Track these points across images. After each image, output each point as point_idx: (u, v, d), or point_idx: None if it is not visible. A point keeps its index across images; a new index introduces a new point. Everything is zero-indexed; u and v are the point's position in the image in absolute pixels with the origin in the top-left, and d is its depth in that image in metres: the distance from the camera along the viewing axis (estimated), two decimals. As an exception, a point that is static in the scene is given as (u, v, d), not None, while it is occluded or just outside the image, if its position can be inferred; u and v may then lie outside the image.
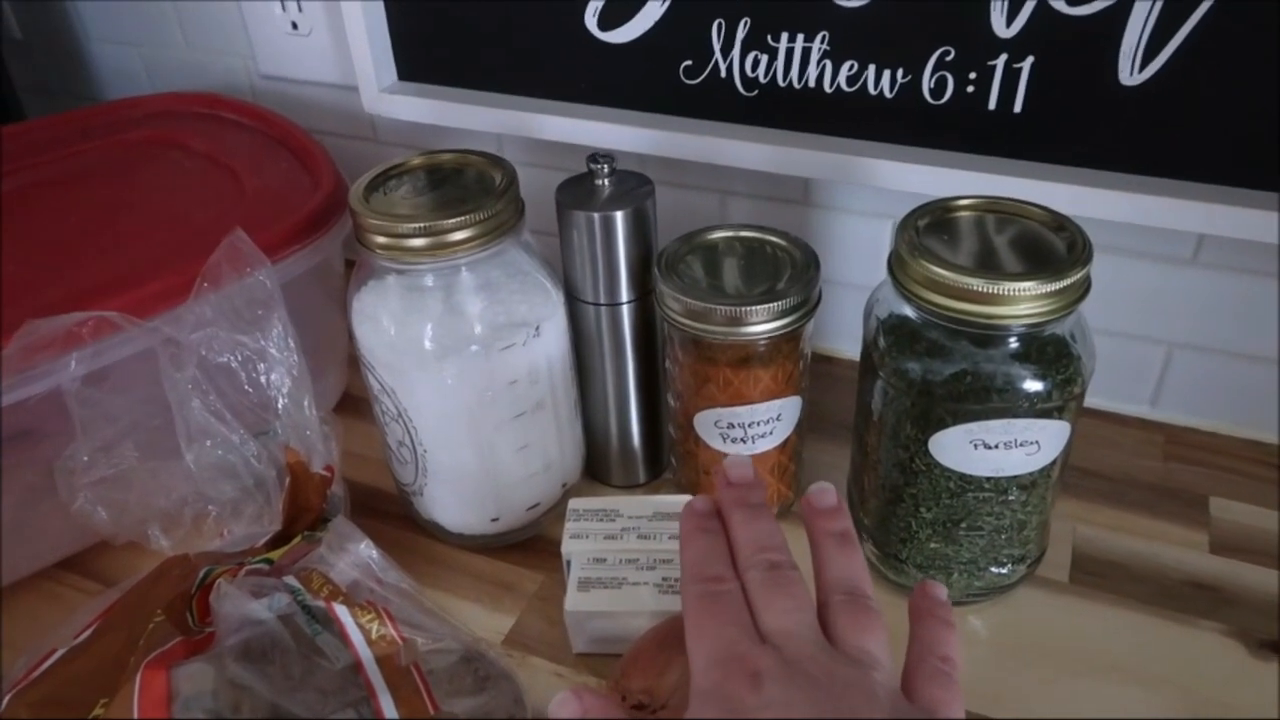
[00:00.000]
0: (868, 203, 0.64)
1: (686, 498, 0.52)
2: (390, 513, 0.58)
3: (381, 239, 0.47)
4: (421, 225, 0.46)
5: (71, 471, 0.50)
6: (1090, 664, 0.48)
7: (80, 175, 0.65)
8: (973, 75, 0.54)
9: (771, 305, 0.47)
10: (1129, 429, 0.62)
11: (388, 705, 0.41)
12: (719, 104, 0.61)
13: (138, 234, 0.58)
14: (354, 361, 0.69)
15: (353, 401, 0.68)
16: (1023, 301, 0.41)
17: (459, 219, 0.46)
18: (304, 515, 0.52)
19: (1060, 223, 0.45)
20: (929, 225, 0.46)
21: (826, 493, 0.39)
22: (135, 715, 0.36)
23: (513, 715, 0.42)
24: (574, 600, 0.48)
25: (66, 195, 0.63)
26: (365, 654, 0.43)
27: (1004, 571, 0.49)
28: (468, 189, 0.49)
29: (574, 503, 0.53)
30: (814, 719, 0.30)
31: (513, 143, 0.71)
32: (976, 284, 0.41)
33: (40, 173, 0.65)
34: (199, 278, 0.47)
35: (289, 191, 0.60)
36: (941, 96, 0.56)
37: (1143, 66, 0.51)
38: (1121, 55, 0.51)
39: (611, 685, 0.40)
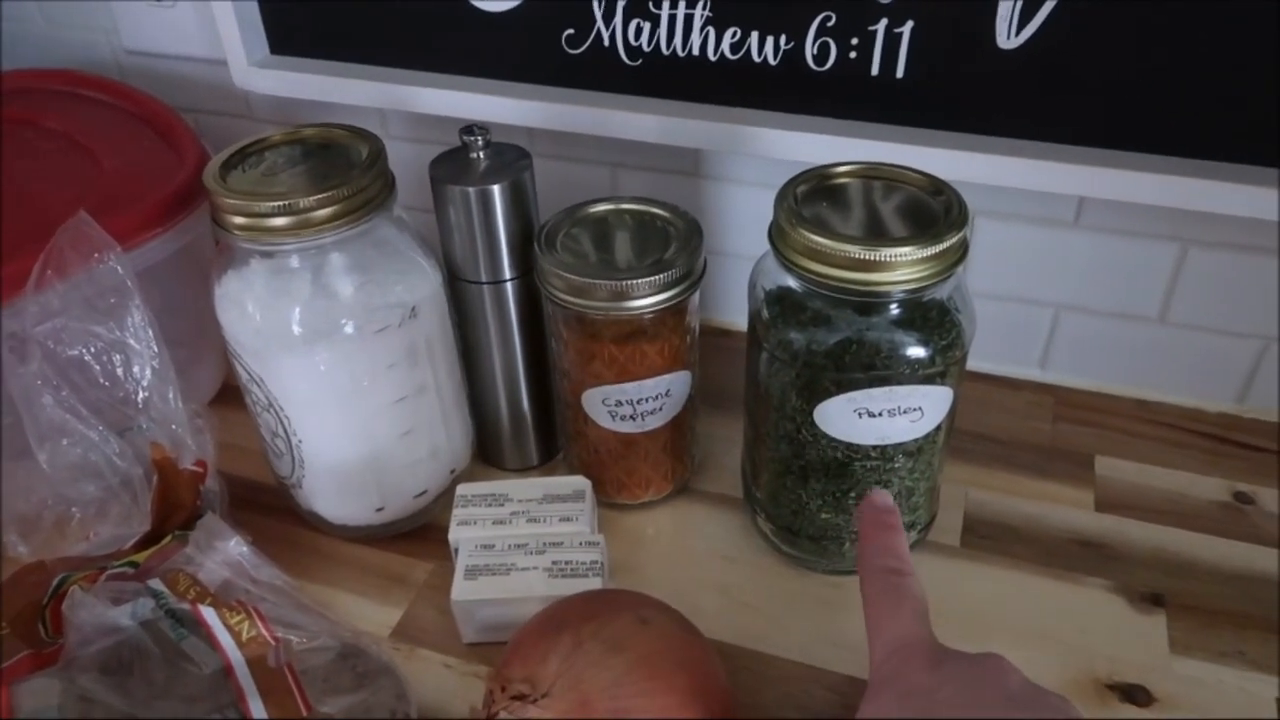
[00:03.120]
0: (757, 173, 0.63)
1: (578, 479, 0.51)
2: (274, 505, 0.56)
3: (239, 219, 0.44)
4: (283, 203, 0.43)
5: (-90, 479, 0.46)
6: (982, 625, 0.48)
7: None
8: (855, 41, 0.54)
9: (655, 279, 0.46)
10: (1020, 392, 0.63)
11: (257, 709, 0.39)
12: (603, 74, 0.60)
13: (-16, 221, 0.54)
14: (234, 350, 0.66)
15: (234, 392, 0.64)
16: (901, 267, 0.41)
17: (323, 195, 0.44)
18: (176, 513, 0.50)
19: (938, 187, 0.44)
20: (808, 193, 0.45)
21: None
22: (-29, 737, 0.33)
23: (394, 711, 0.40)
24: (460, 589, 0.46)
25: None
26: (235, 657, 0.41)
27: (895, 539, 0.49)
28: (333, 164, 0.47)
29: (461, 488, 0.51)
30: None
31: (396, 118, 0.69)
32: (855, 251, 0.41)
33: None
34: (39, 264, 0.44)
35: (152, 172, 0.57)
36: (825, 63, 0.55)
37: (1019, 29, 0.51)
38: (999, 18, 0.51)
39: (492, 676, 0.38)
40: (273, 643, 0.41)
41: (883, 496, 0.41)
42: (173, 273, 0.55)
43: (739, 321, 0.69)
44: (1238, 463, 0.57)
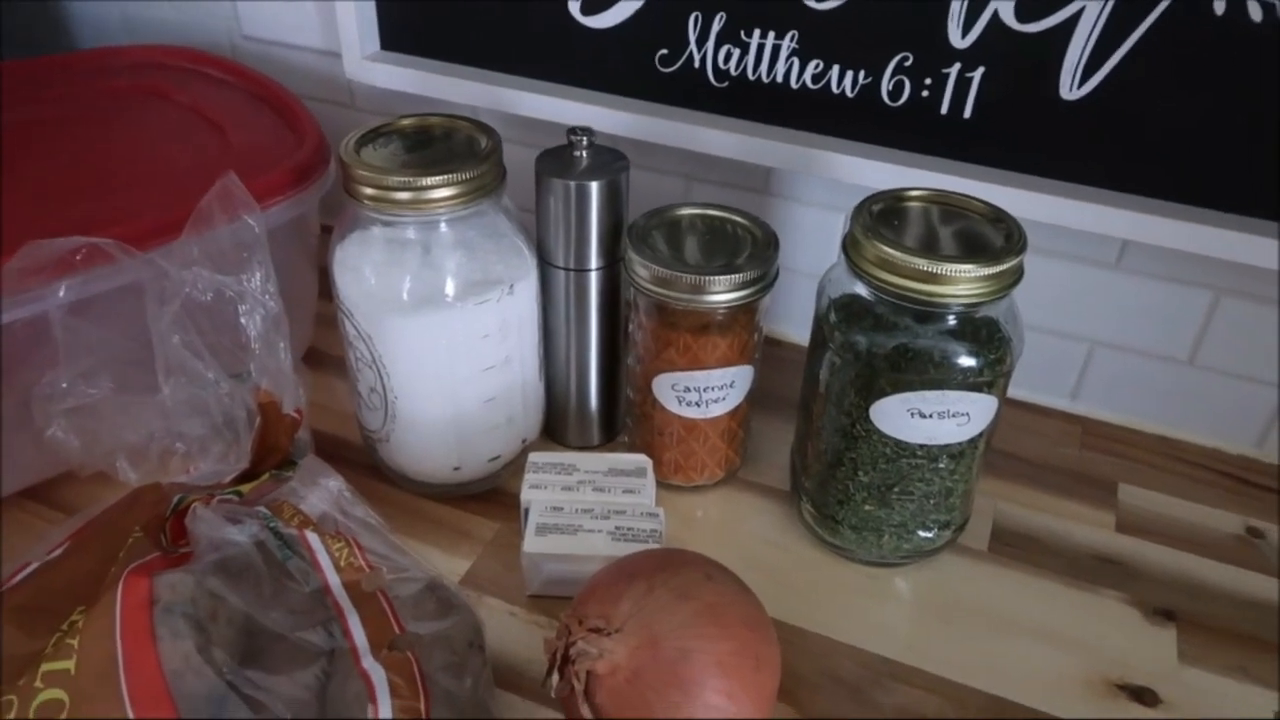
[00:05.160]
0: (823, 195, 0.67)
1: (641, 456, 0.56)
2: (352, 460, 0.60)
3: (369, 190, 0.49)
4: (407, 180, 0.48)
5: (49, 398, 0.51)
6: (1004, 624, 0.52)
7: (61, 119, 0.66)
8: (928, 81, 0.59)
9: (733, 276, 0.51)
10: (1050, 420, 0.67)
11: (355, 624, 0.43)
12: (691, 92, 0.65)
13: (124, 177, 0.60)
14: (320, 319, 0.71)
15: (317, 356, 0.70)
16: (962, 283, 0.45)
17: (443, 177, 0.49)
18: (271, 455, 0.54)
19: (999, 215, 0.49)
20: (881, 212, 0.50)
21: None
22: (118, 618, 0.38)
23: (473, 642, 0.45)
24: (532, 543, 0.51)
25: (48, 136, 0.64)
26: (333, 579, 0.45)
27: (930, 535, 0.53)
28: (453, 151, 0.52)
29: (534, 456, 0.56)
30: None
31: (488, 117, 0.73)
32: (921, 264, 0.45)
33: (18, 113, 0.66)
34: (191, 217, 0.49)
35: (273, 146, 0.62)
36: (899, 99, 0.60)
37: (1082, 83, 0.55)
38: (1064, 71, 0.55)
39: (569, 613, 0.43)
40: (368, 569, 0.46)
41: None
42: (281, 242, 0.60)
43: (789, 332, 0.74)
44: (1252, 501, 0.61)
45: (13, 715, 0.35)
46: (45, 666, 0.37)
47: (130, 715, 0.35)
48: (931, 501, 0.52)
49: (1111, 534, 0.58)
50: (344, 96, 0.79)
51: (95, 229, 0.50)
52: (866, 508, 0.52)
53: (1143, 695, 0.49)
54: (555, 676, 0.40)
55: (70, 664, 0.37)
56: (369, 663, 0.40)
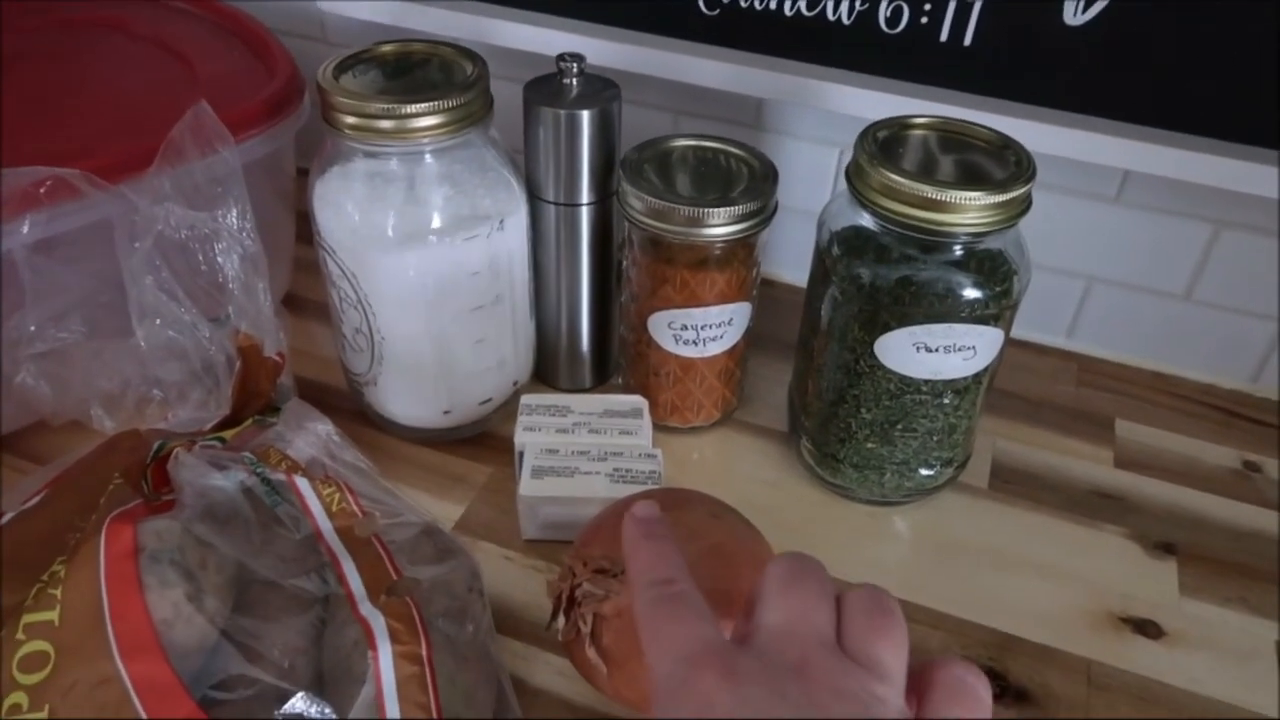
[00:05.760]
0: (816, 129, 0.66)
1: (636, 397, 0.54)
2: (336, 406, 0.58)
3: (351, 119, 0.47)
4: (390, 107, 0.46)
5: (16, 342, 0.49)
6: (1007, 560, 0.52)
7: (16, 51, 0.62)
8: (927, 7, 0.57)
9: (731, 209, 0.49)
10: (1046, 357, 0.67)
11: (350, 570, 0.41)
12: (680, 21, 0.62)
13: (85, 110, 0.56)
14: (301, 264, 0.69)
15: (296, 301, 0.67)
16: (969, 210, 0.44)
17: (428, 104, 0.46)
18: (253, 401, 0.52)
19: (1006, 143, 0.48)
20: (886, 139, 0.48)
21: None
22: (102, 567, 0.36)
23: (471, 586, 0.43)
24: (528, 486, 0.49)
25: (4, 69, 0.60)
26: (325, 525, 0.44)
27: (932, 473, 0.52)
28: (436, 78, 0.49)
29: (526, 398, 0.54)
30: None
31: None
32: (928, 191, 0.44)
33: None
34: (162, 148, 0.46)
35: (243, 78, 0.59)
36: (896, 26, 0.58)
37: (1087, 7, 0.54)
38: (1067, -6, 0.54)
39: (573, 555, 0.41)
40: (360, 514, 0.44)
41: (646, 508, 0.35)
42: (256, 180, 0.58)
43: (780, 272, 0.72)
44: (1247, 435, 0.61)
45: (-6, 669, 0.34)
46: (27, 618, 0.35)
47: (120, 666, 0.34)
48: (935, 438, 0.51)
49: (1110, 469, 0.58)
50: (315, 30, 0.76)
51: (57, 162, 0.47)
52: (869, 445, 0.51)
53: (1146, 628, 0.49)
54: (561, 619, 0.39)
55: (54, 615, 0.35)
56: (366, 609, 0.39)
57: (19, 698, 0.33)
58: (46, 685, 0.34)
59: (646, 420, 0.53)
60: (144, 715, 0.33)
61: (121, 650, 0.34)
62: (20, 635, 0.34)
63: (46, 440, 0.54)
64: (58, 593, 0.36)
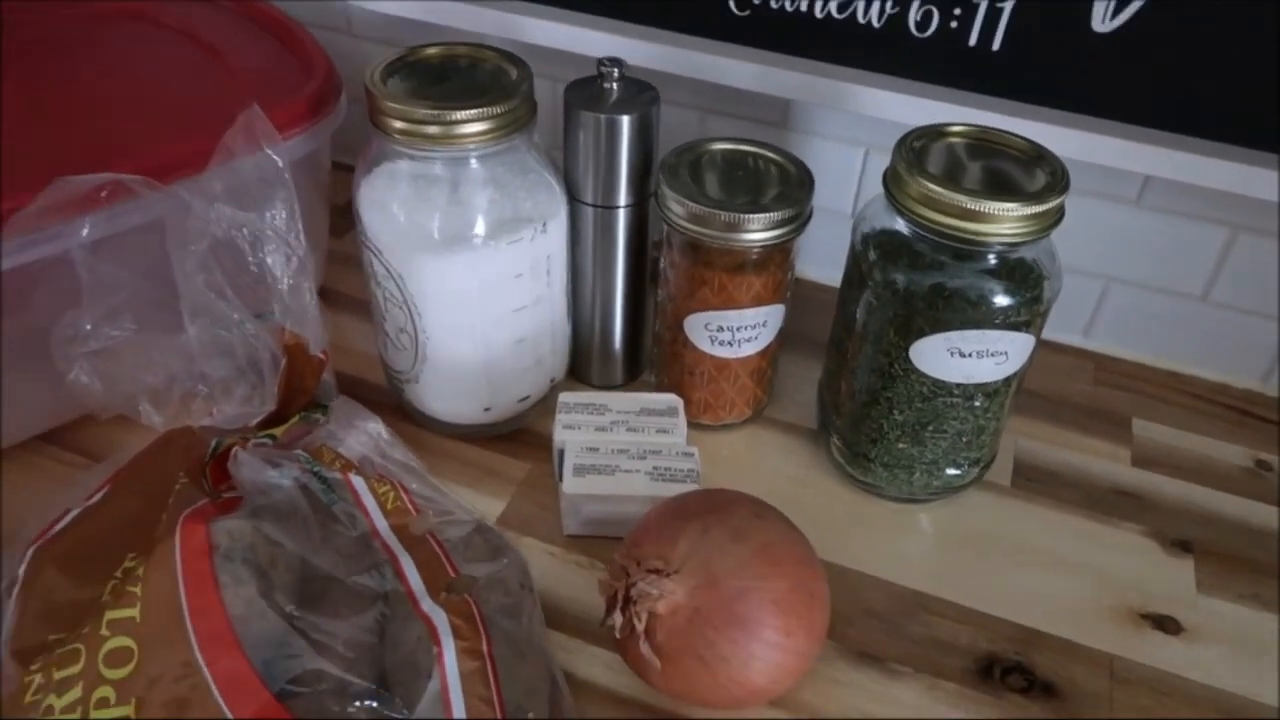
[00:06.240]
0: (843, 129, 0.67)
1: (671, 396, 0.56)
2: (374, 401, 0.59)
3: (399, 124, 0.47)
4: (438, 113, 0.47)
5: (70, 340, 0.50)
6: (1030, 557, 0.54)
7: (44, 42, 0.62)
8: (957, 11, 0.58)
9: (770, 215, 0.50)
10: (1064, 356, 0.68)
11: (409, 567, 0.43)
12: (709, 21, 0.63)
13: (127, 105, 0.57)
14: (333, 257, 0.70)
15: (329, 295, 0.68)
16: (1005, 221, 0.45)
17: (476, 111, 0.47)
18: (297, 398, 0.54)
19: (1040, 153, 0.49)
20: (923, 147, 0.49)
21: None
22: (179, 566, 0.37)
23: (523, 583, 0.45)
24: (571, 484, 0.51)
25: (33, 61, 0.60)
26: (380, 523, 0.45)
27: (959, 473, 0.54)
28: (481, 83, 0.50)
29: (564, 396, 0.55)
30: None
31: (497, 44, 0.71)
32: (966, 201, 0.45)
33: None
34: (216, 151, 0.47)
35: (280, 77, 0.60)
36: (926, 29, 0.59)
37: (1116, 13, 0.55)
38: (1097, 1, 0.55)
39: (624, 554, 0.43)
40: (414, 512, 0.46)
41: None
42: (296, 178, 0.58)
43: (807, 270, 0.73)
44: (1258, 434, 0.63)
45: (82, 664, 0.35)
46: (109, 615, 0.36)
47: (200, 660, 0.35)
48: (964, 439, 0.52)
49: (1128, 468, 0.59)
50: (340, 22, 0.76)
51: (103, 159, 0.48)
52: (900, 445, 0.53)
53: (1165, 624, 0.51)
54: (617, 616, 0.41)
55: (135, 611, 0.36)
56: (428, 605, 0.40)
57: (106, 691, 0.35)
58: (132, 679, 0.35)
59: (682, 419, 0.54)
60: (225, 707, 0.35)
61: (201, 645, 0.36)
62: (104, 631, 0.36)
63: (94, 434, 0.55)
64: (137, 590, 0.37)
